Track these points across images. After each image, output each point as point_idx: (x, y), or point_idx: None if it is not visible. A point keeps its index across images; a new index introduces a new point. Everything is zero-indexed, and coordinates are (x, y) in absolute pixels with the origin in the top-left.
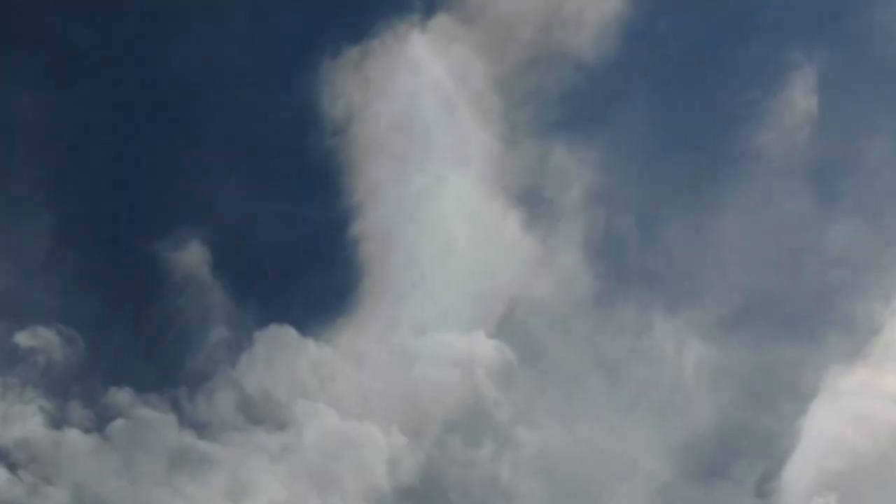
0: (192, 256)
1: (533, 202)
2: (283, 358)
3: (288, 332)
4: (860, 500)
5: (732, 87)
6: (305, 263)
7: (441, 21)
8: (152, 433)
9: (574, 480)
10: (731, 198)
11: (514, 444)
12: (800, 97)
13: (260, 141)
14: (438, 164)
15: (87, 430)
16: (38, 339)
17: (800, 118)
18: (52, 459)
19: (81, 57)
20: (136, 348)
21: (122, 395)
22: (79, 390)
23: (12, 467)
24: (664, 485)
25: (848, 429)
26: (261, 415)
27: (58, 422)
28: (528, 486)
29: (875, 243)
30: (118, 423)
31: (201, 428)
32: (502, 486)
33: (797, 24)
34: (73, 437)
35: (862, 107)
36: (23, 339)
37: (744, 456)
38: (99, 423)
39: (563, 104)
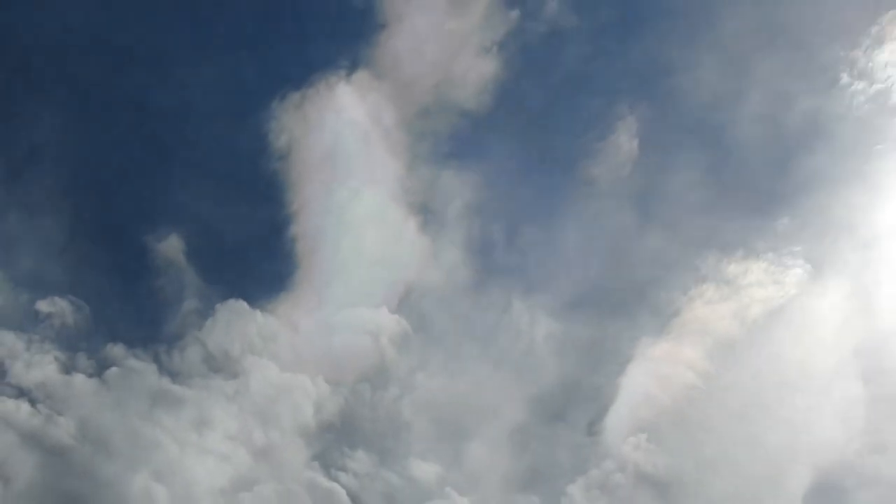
0: (171, 246)
1: (426, 212)
2: (237, 324)
3: (241, 305)
4: (661, 439)
5: (575, 131)
6: (256, 254)
7: (362, 76)
8: (138, 379)
9: (453, 420)
10: (572, 213)
11: (409, 392)
12: (624, 140)
13: (224, 162)
14: (356, 182)
15: (90, 376)
16: (55, 306)
17: (624, 156)
18: (63, 397)
19: (103, 106)
20: (129, 314)
21: (117, 350)
22: (84, 345)
23: (33, 402)
24: (519, 425)
25: (654, 386)
26: (220, 366)
27: (68, 369)
28: (418, 422)
29: (676, 249)
30: (113, 371)
31: (175, 375)
32: (400, 422)
33: (624, 85)
34: (80, 381)
35: (671, 148)
36: (43, 306)
37: (578, 405)
38: (99, 370)
39: (451, 140)
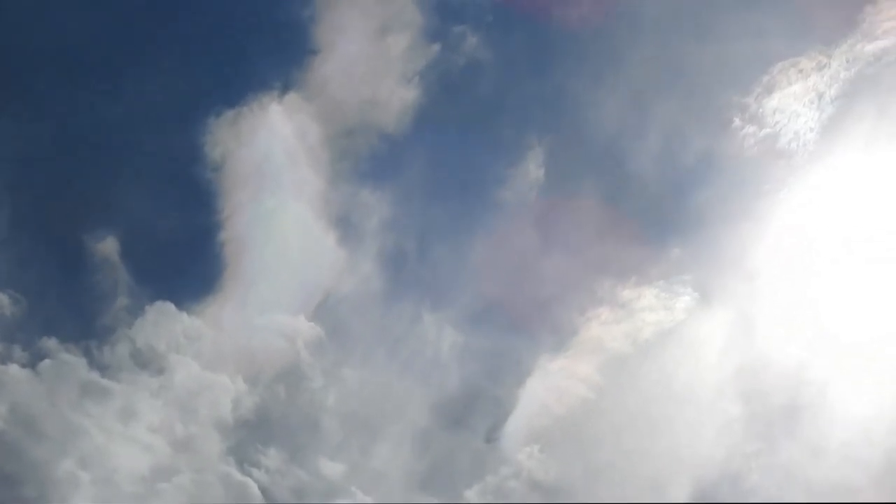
0: (107, 247)
1: (346, 226)
2: (164, 324)
3: (169, 306)
4: (555, 448)
5: (487, 157)
6: (186, 257)
7: (292, 97)
8: (69, 371)
9: (361, 423)
10: (480, 233)
11: (321, 394)
12: (532, 168)
13: (162, 170)
14: (282, 194)
15: (23, 366)
16: None
17: (531, 183)
18: None
19: (47, 111)
20: (63, 309)
21: (50, 343)
22: (20, 337)
23: None
24: (422, 430)
25: (551, 398)
26: (146, 363)
27: (3, 359)
28: (328, 423)
29: (575, 273)
30: (46, 363)
31: (104, 369)
32: (311, 423)
33: (534, 117)
34: (13, 371)
35: (574, 178)
36: None
37: (479, 413)
38: (32, 361)
39: (371, 160)
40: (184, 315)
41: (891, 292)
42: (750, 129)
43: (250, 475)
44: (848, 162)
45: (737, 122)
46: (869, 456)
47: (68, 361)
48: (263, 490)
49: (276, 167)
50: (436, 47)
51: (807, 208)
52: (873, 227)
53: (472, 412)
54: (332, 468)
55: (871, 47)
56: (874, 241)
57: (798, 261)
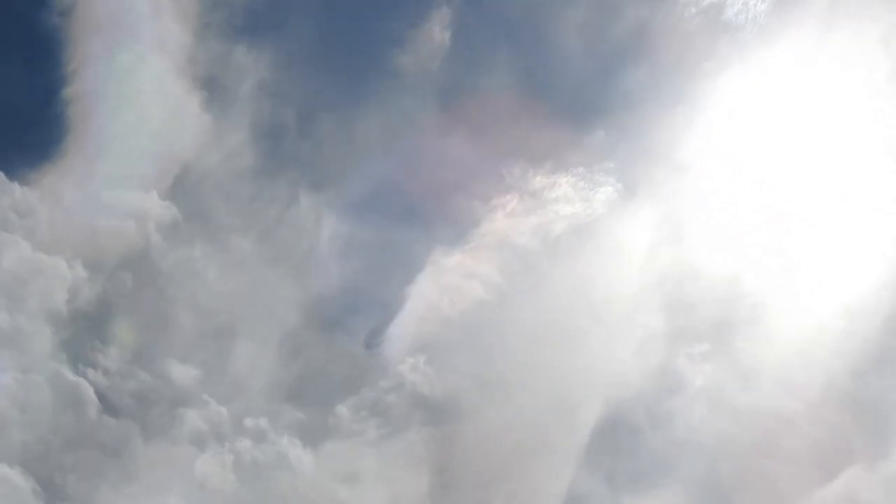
0: None
1: (213, 88)
2: None
3: None
4: (445, 358)
5: (384, 15)
6: (20, 117)
7: None
8: None
9: (220, 321)
10: (373, 105)
11: (174, 286)
12: (436, 31)
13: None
14: (140, 47)
15: None
16: None
17: (434, 48)
18: None
19: None
20: None
21: None
22: None
23: None
24: (291, 332)
25: (443, 300)
26: None
27: None
28: (181, 320)
29: (480, 155)
30: None
31: None
32: (160, 319)
33: None
34: None
35: (485, 47)
36: None
37: (358, 315)
38: None
39: (248, 13)
40: (15, 186)
41: (841, 197)
42: None
43: (85, 376)
44: (801, 41)
45: None
46: (805, 380)
47: None
48: (100, 395)
49: (135, 15)
50: None
51: (751, 94)
52: (824, 120)
53: (351, 313)
54: (182, 372)
55: None
56: (825, 136)
57: (737, 156)
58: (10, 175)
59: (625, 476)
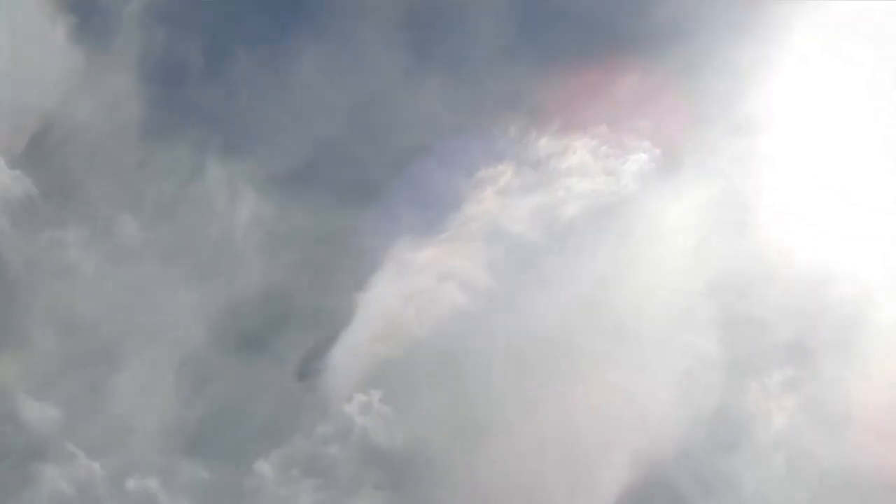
0: None
1: (86, 9)
2: None
3: None
4: (404, 397)
5: None
6: None
7: None
8: None
9: (91, 340)
10: (314, 40)
11: (27, 290)
12: None
13: None
14: None
15: None
16: None
17: None
18: None
19: None
20: None
21: None
22: None
23: None
24: (194, 352)
25: (408, 311)
26: None
27: None
28: (37, 339)
29: (462, 109)
30: None
31: None
32: (8, 337)
33: None
34: None
35: None
36: None
37: (289, 332)
38: None
39: None
40: None
41: None
42: None
43: None
44: None
45: None
46: None
47: None
48: None
49: None
50: None
51: (843, 29)
52: None
53: (278, 330)
54: (39, 413)
55: None
56: None
57: (822, 112)
58: None
59: None
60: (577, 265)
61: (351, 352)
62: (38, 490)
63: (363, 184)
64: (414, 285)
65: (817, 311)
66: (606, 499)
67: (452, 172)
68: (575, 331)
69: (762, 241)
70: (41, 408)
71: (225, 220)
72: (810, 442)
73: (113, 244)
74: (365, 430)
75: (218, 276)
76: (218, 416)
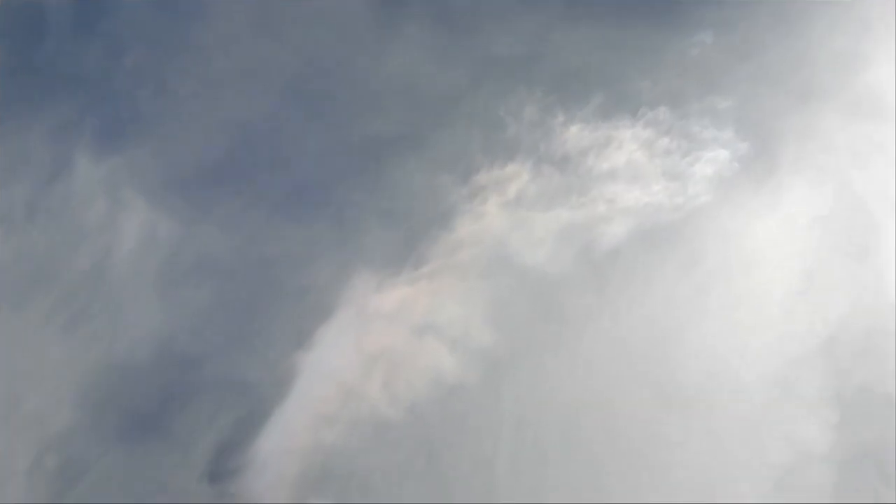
0: None
1: None
2: None
3: None
4: None
5: None
6: None
7: None
8: None
9: None
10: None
11: None
12: None
13: None
14: None
15: None
16: None
17: None
18: None
19: None
20: None
21: None
22: None
23: None
24: (57, 437)
25: (371, 378)
26: None
27: None
28: None
29: (458, 74)
30: None
31: None
32: None
33: None
34: None
35: None
36: None
37: (197, 408)
38: None
39: None
40: None
41: None
42: None
43: None
44: None
45: None
46: None
47: None
48: None
49: None
50: None
51: None
52: None
53: (182, 409)
54: None
55: None
56: None
57: None
58: None
59: None
60: (622, 312)
61: (286, 441)
62: None
63: (305, 190)
64: (381, 342)
65: None
66: None
67: (438, 174)
68: (619, 410)
69: (885, 267)
70: None
71: (101, 242)
72: None
73: None
74: None
75: (92, 325)
76: None
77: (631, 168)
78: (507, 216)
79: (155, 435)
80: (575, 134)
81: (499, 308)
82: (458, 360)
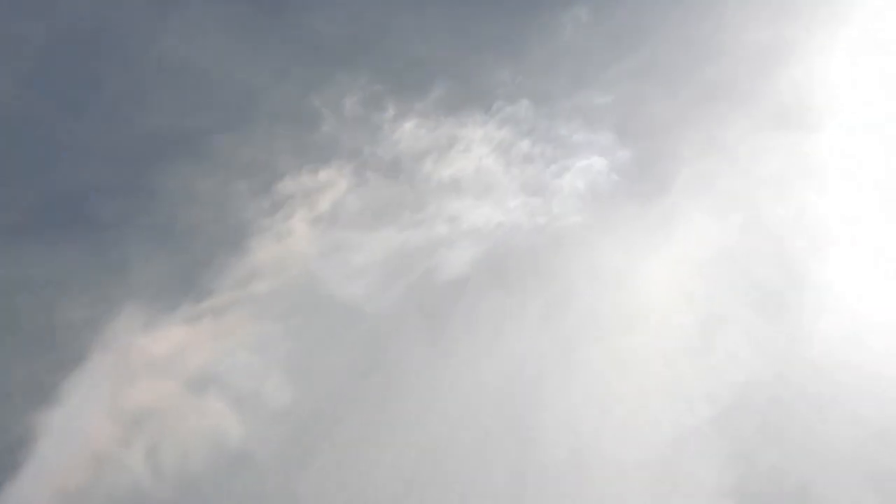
0: None
1: None
2: None
3: None
4: None
5: None
6: None
7: None
8: None
9: None
10: None
11: None
12: None
13: None
14: None
15: None
16: None
17: None
18: None
19: None
20: None
21: None
22: None
23: None
24: None
25: (132, 444)
26: None
27: None
28: None
29: (252, 53)
30: None
31: None
32: None
33: None
34: None
35: None
36: None
37: None
38: None
39: None
40: None
41: None
42: None
43: None
44: None
45: None
46: None
47: None
48: None
49: None
50: None
51: None
52: None
53: None
54: None
55: None
56: None
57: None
58: None
59: None
60: (466, 364)
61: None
62: None
63: (54, 201)
64: (146, 397)
65: None
66: None
67: (229, 181)
68: (463, 492)
69: (807, 319)
70: None
71: None
72: None
73: None
74: None
75: None
76: None
77: (481, 178)
78: (317, 236)
79: None
80: (409, 132)
81: (304, 357)
82: (247, 423)
